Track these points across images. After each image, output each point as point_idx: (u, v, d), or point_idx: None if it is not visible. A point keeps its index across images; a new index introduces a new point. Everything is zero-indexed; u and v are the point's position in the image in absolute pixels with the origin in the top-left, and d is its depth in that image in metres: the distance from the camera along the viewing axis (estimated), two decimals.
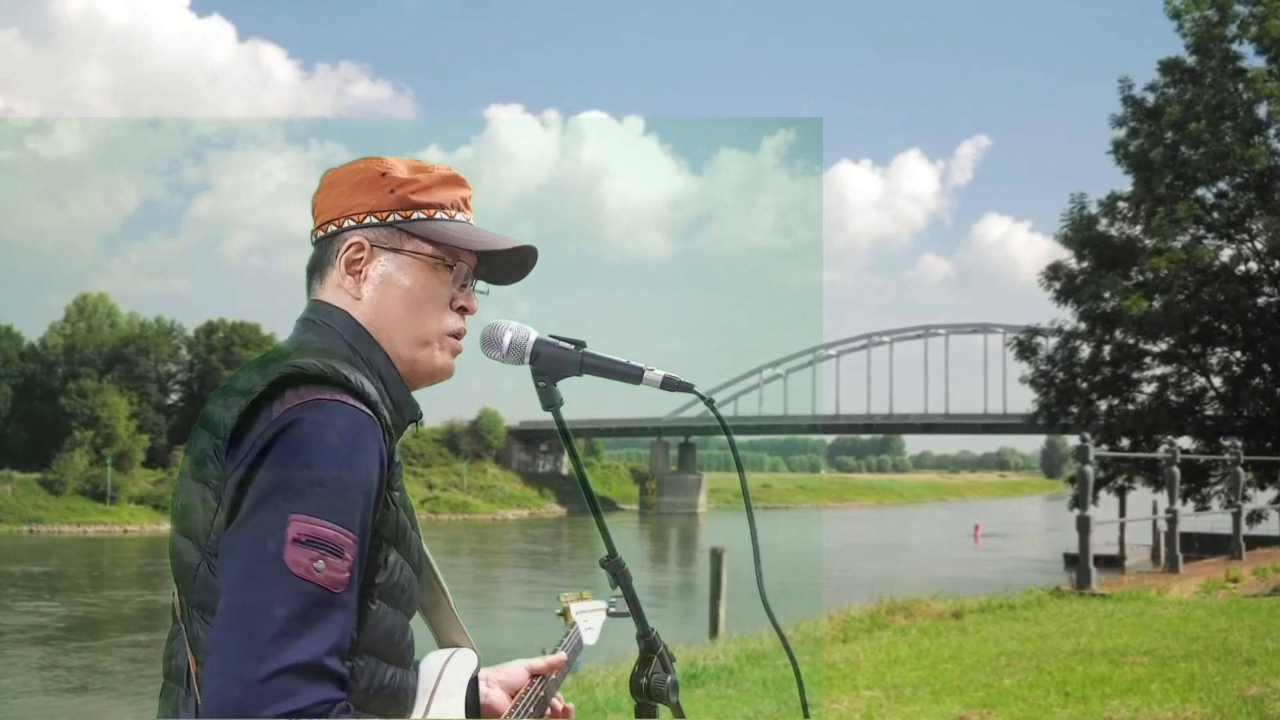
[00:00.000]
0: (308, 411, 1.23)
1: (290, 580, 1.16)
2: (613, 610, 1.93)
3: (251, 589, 1.17)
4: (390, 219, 1.42)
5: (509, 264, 1.51)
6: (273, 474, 1.20)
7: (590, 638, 1.88)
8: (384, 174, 1.43)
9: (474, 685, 1.53)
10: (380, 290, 1.42)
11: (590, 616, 1.91)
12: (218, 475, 1.25)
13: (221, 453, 1.25)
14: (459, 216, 1.46)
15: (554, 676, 1.70)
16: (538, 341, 1.47)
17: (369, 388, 1.30)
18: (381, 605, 1.29)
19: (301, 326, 1.43)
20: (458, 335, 1.47)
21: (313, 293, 1.45)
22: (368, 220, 1.42)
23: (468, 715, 1.48)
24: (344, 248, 1.42)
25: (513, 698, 1.62)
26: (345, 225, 1.43)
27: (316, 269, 1.46)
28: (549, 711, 1.67)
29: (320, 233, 1.45)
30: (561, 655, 1.73)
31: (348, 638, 1.20)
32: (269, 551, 1.17)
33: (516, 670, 1.67)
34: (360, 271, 1.42)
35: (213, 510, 1.24)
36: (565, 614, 1.85)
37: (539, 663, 1.69)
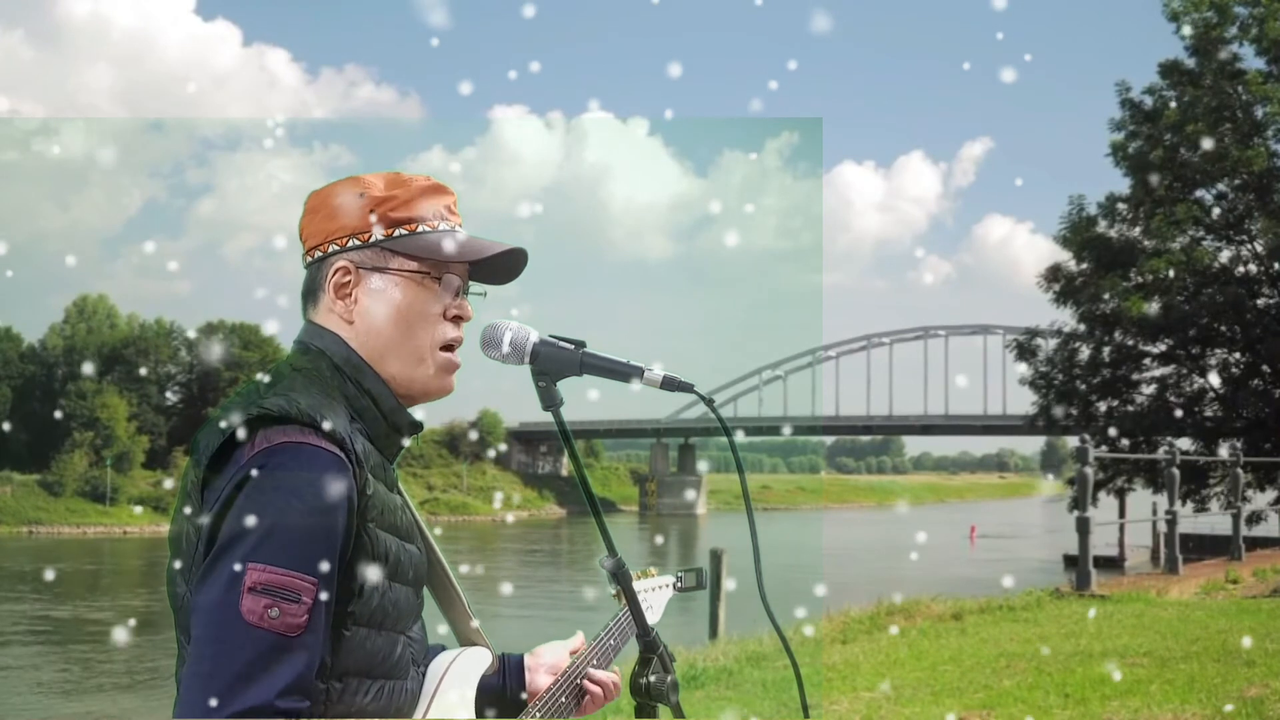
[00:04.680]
0: (272, 456, 1.26)
1: (245, 628, 1.21)
2: (680, 586, 1.93)
3: (212, 634, 1.22)
4: (372, 239, 1.44)
5: (498, 267, 1.52)
6: (235, 521, 1.24)
7: (652, 617, 1.86)
8: (362, 194, 1.45)
9: (485, 679, 1.58)
10: (370, 312, 1.44)
11: (652, 595, 1.88)
12: (196, 511, 1.29)
13: (198, 491, 1.29)
14: (443, 226, 1.47)
15: (595, 660, 1.73)
16: (538, 341, 1.47)
17: (338, 424, 1.31)
18: (359, 630, 1.32)
19: (296, 349, 1.46)
20: (453, 346, 1.47)
21: (308, 315, 1.48)
22: (350, 243, 1.44)
23: (481, 704, 1.54)
24: (331, 273, 1.45)
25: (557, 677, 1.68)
26: (330, 250, 1.45)
27: (309, 294, 1.48)
28: (588, 692, 1.70)
29: (309, 258, 1.48)
30: (606, 642, 1.77)
31: (310, 673, 1.24)
32: (228, 599, 1.22)
33: (559, 652, 1.72)
34: (349, 295, 1.44)
35: (194, 544, 1.29)
36: (619, 595, 1.81)
37: (578, 644, 1.74)
